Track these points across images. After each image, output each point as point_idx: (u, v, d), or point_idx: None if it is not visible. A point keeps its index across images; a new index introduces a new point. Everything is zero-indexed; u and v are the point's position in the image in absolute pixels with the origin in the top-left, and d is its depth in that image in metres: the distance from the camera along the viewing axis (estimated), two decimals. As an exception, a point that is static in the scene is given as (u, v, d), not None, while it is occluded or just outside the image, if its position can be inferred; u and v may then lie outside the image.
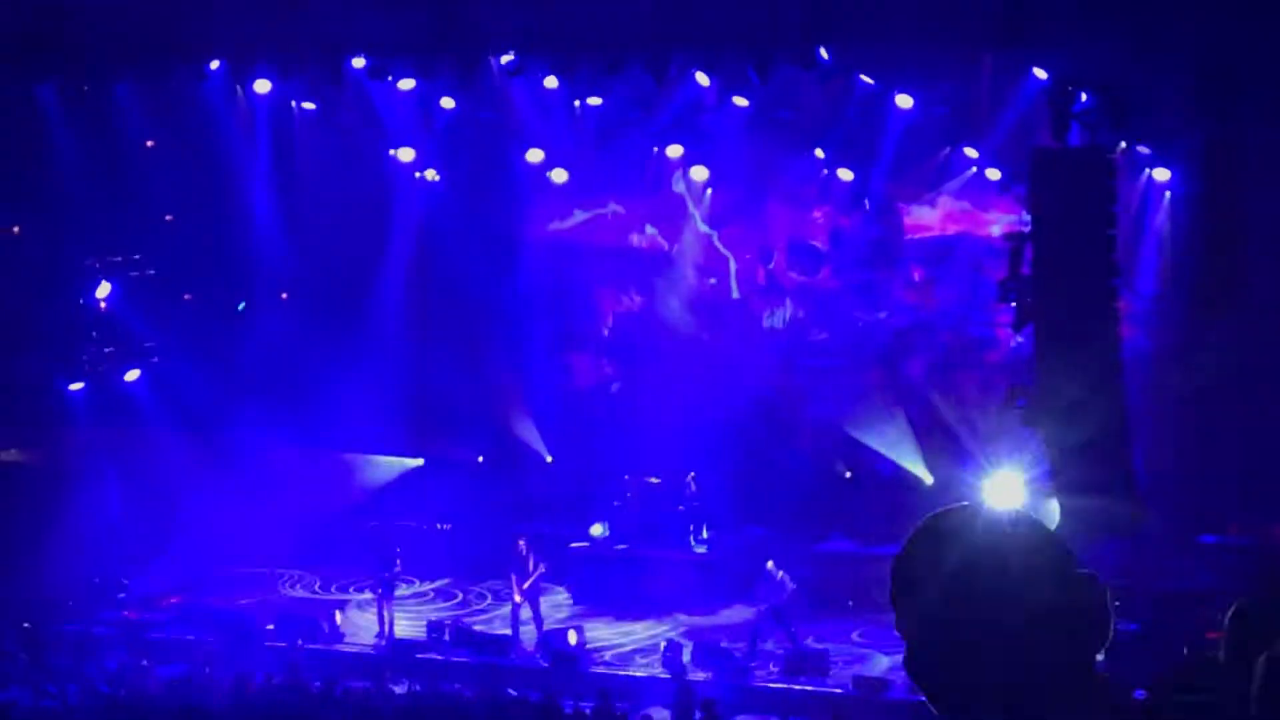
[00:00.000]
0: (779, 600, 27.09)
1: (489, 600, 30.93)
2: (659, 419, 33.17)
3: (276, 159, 31.80)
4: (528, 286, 34.35)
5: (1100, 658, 3.31)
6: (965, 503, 3.50)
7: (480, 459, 34.45)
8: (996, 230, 30.20)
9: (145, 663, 25.70)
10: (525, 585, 27.89)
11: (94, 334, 31.29)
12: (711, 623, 29.15)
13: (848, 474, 32.42)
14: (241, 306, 33.86)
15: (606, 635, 28.59)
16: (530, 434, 34.17)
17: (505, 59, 28.68)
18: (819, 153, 31.71)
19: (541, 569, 28.13)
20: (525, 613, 27.99)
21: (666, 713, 23.85)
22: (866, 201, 32.05)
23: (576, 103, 30.84)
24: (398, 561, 28.92)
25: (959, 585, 3.28)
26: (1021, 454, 29.03)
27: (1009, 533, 3.34)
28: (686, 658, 26.21)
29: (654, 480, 31.70)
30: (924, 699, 3.36)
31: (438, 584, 31.87)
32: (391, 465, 34.00)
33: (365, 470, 33.76)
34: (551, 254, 34.62)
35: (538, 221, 34.81)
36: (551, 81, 29.84)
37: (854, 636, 27.98)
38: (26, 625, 27.04)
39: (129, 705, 22.84)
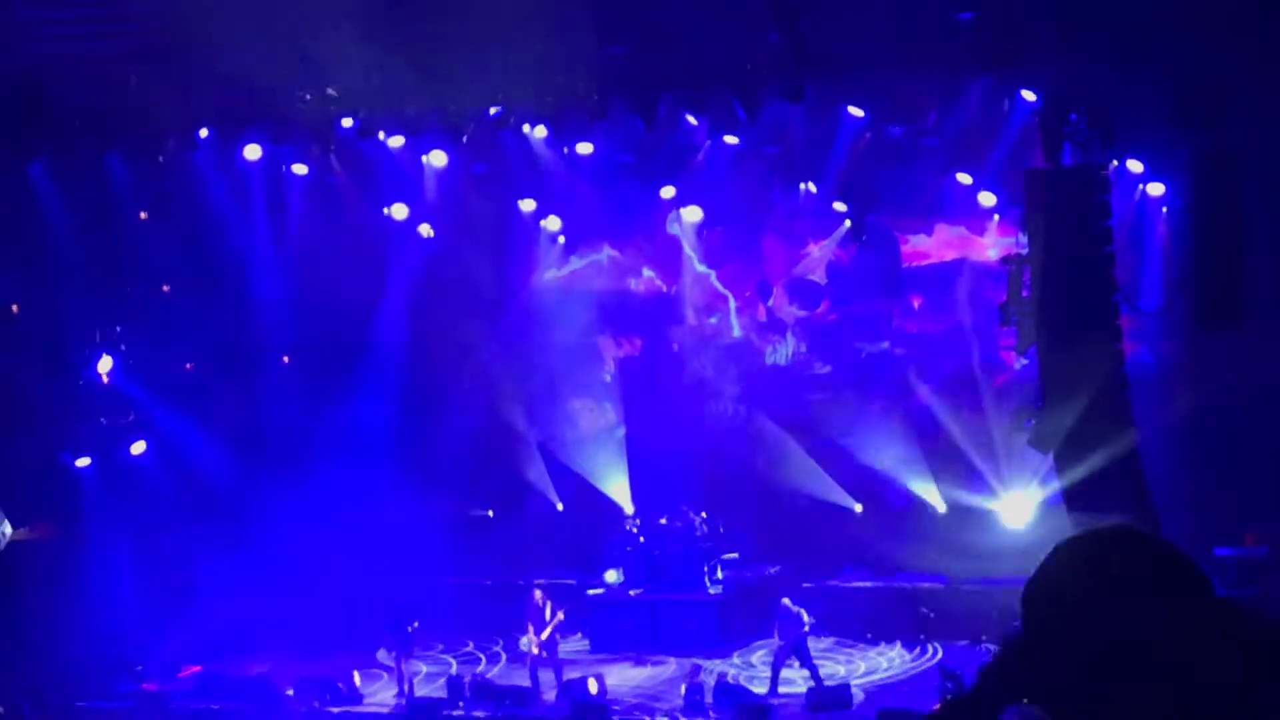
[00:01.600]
0: (797, 636, 27.01)
1: (505, 654, 30.82)
2: (665, 460, 33.13)
3: (271, 222, 31.79)
4: (527, 335, 34.33)
5: None
6: (1101, 526, 3.38)
7: (490, 513, 34.38)
8: (994, 254, 30.22)
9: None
10: (543, 635, 27.82)
11: (101, 417, 31.19)
12: (731, 662, 29.08)
13: (858, 508, 32.30)
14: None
15: (627, 680, 28.51)
16: (538, 483, 34.13)
17: (492, 110, 28.71)
18: (811, 187, 31.74)
19: (560, 617, 28.06)
20: (544, 663, 27.93)
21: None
22: (862, 233, 32.04)
23: (565, 149, 30.83)
24: (414, 622, 28.85)
25: (1103, 612, 3.17)
26: (1032, 475, 29.06)
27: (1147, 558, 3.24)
28: (708, 699, 26.12)
29: (663, 522, 31.67)
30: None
31: (459, 651, 31.78)
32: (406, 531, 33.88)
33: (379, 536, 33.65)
34: (550, 302, 34.63)
35: (534, 270, 34.84)
36: (540, 131, 29.85)
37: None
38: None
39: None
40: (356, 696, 27.94)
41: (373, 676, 29.25)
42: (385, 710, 27.64)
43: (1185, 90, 24.57)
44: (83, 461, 30.93)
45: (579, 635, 30.41)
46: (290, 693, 27.82)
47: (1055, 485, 25.10)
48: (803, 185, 31.85)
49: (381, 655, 30.09)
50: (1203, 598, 3.22)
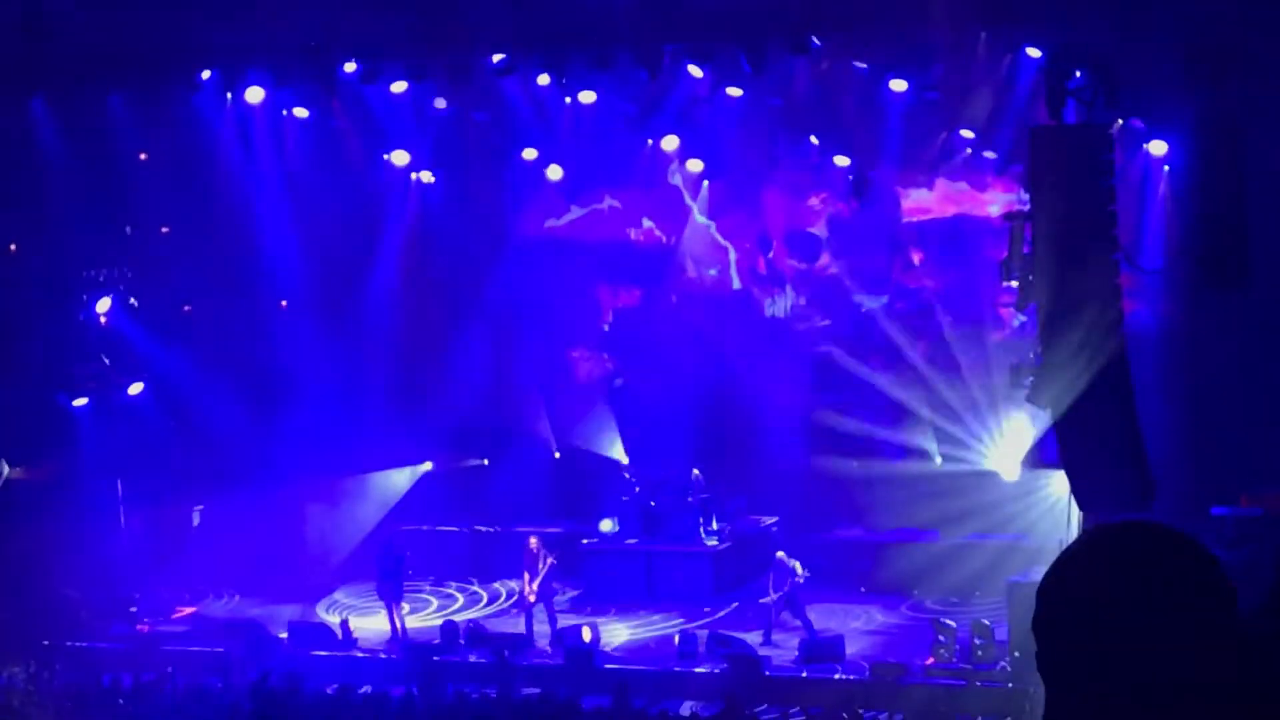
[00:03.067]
0: (791, 589, 27.07)
1: (501, 600, 30.90)
2: (663, 412, 33.14)
3: (271, 167, 31.69)
4: (526, 284, 34.29)
5: None
6: (1120, 521, 3.28)
7: (485, 461, 34.41)
8: (995, 210, 30.20)
9: (166, 672, 25.64)
10: (536, 583, 27.87)
11: (102, 355, 31.15)
12: (724, 614, 29.14)
13: (855, 464, 32.34)
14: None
15: (620, 630, 28.57)
16: (535, 432, 34.13)
17: (496, 58, 28.58)
18: (814, 140, 31.67)
19: (551, 562, 28.10)
20: (539, 611, 27.99)
21: (685, 705, 23.85)
22: (864, 187, 31.96)
23: (568, 99, 30.71)
24: (409, 568, 28.95)
25: (1117, 615, 3.09)
26: (1029, 432, 29.04)
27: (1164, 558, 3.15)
28: (702, 649, 26.20)
29: (660, 474, 31.72)
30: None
31: (449, 587, 31.85)
32: (401, 477, 33.91)
33: (374, 483, 33.68)
34: (549, 251, 34.59)
35: (534, 219, 34.80)
36: (543, 79, 29.72)
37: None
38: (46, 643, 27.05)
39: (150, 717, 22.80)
40: (350, 641, 27.99)
41: (365, 622, 29.29)
42: (381, 654, 27.71)
43: (1191, 49, 24.48)
44: (80, 401, 30.93)
45: (572, 587, 30.41)
46: (284, 636, 27.89)
47: (1051, 442, 25.08)
48: (813, 138, 31.76)
49: (375, 600, 30.09)
50: (1224, 611, 3.13)
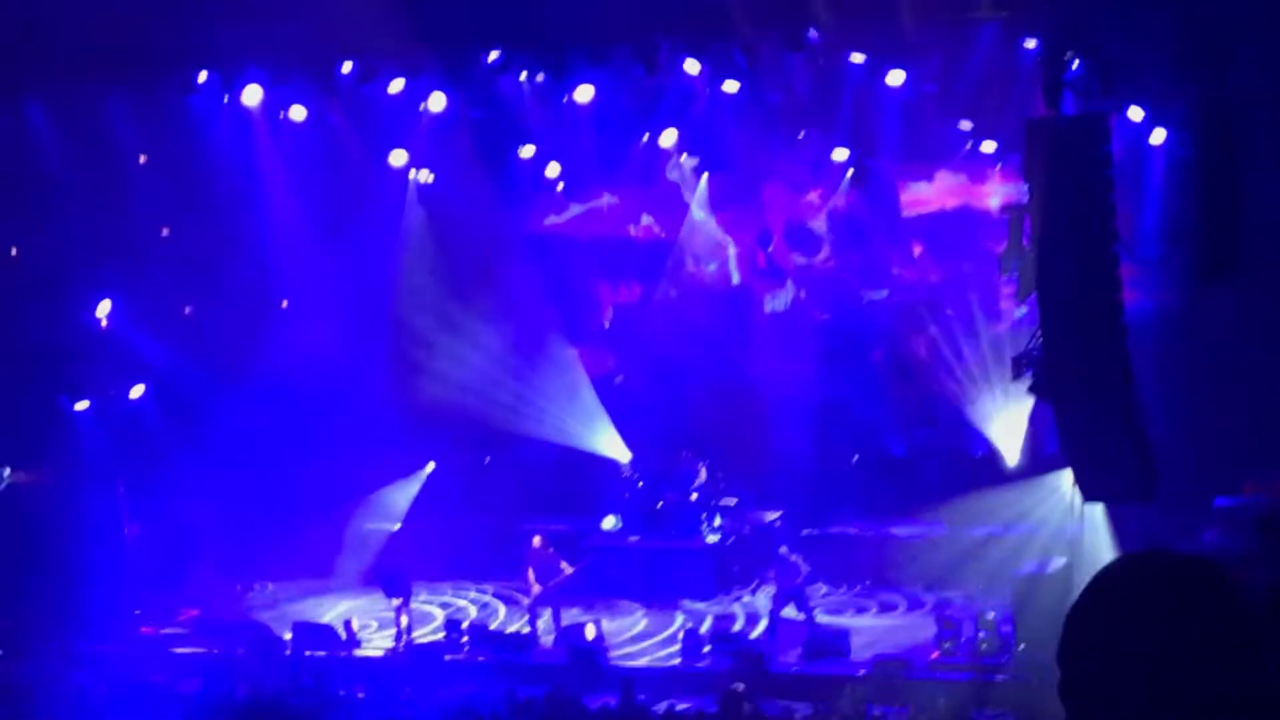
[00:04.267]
0: (794, 584, 27.05)
1: (502, 600, 30.87)
2: (664, 408, 33.12)
3: (269, 167, 31.64)
4: (526, 282, 34.24)
5: None
6: (1147, 551, 3.29)
7: (487, 459, 34.39)
8: (994, 202, 30.17)
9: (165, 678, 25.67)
10: (550, 584, 27.88)
11: (99, 360, 31.13)
12: (728, 610, 29.11)
13: (855, 457, 32.33)
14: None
15: (624, 627, 28.56)
16: (536, 429, 34.09)
17: (491, 56, 28.54)
18: (812, 134, 31.64)
19: (567, 570, 28.14)
20: (542, 609, 27.99)
21: (688, 703, 23.82)
22: (863, 180, 31.94)
23: (565, 97, 30.65)
24: (413, 568, 28.95)
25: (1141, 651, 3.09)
26: (1030, 425, 29.05)
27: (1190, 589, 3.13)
28: (705, 646, 26.18)
29: (662, 470, 31.72)
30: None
31: (451, 587, 31.84)
32: (407, 489, 33.88)
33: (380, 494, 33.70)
34: (548, 249, 34.57)
35: (533, 217, 34.78)
36: (540, 76, 29.66)
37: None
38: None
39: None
40: (354, 642, 27.98)
41: (369, 623, 29.29)
42: (383, 655, 27.71)
43: (1189, 38, 24.45)
44: (81, 405, 30.93)
45: (574, 584, 30.33)
46: (288, 637, 27.88)
47: (1053, 434, 25.06)
48: (803, 132, 31.75)
49: (379, 600, 30.07)
50: (1248, 637, 3.11)
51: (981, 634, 25.07)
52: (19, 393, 29.43)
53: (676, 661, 26.27)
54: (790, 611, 27.08)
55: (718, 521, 30.82)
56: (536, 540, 28.47)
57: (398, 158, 32.74)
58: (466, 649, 27.19)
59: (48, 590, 28.32)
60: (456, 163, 33.43)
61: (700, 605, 29.36)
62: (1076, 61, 23.48)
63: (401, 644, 27.90)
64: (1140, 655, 3.08)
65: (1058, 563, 24.81)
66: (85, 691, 24.30)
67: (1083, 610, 3.22)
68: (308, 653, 27.20)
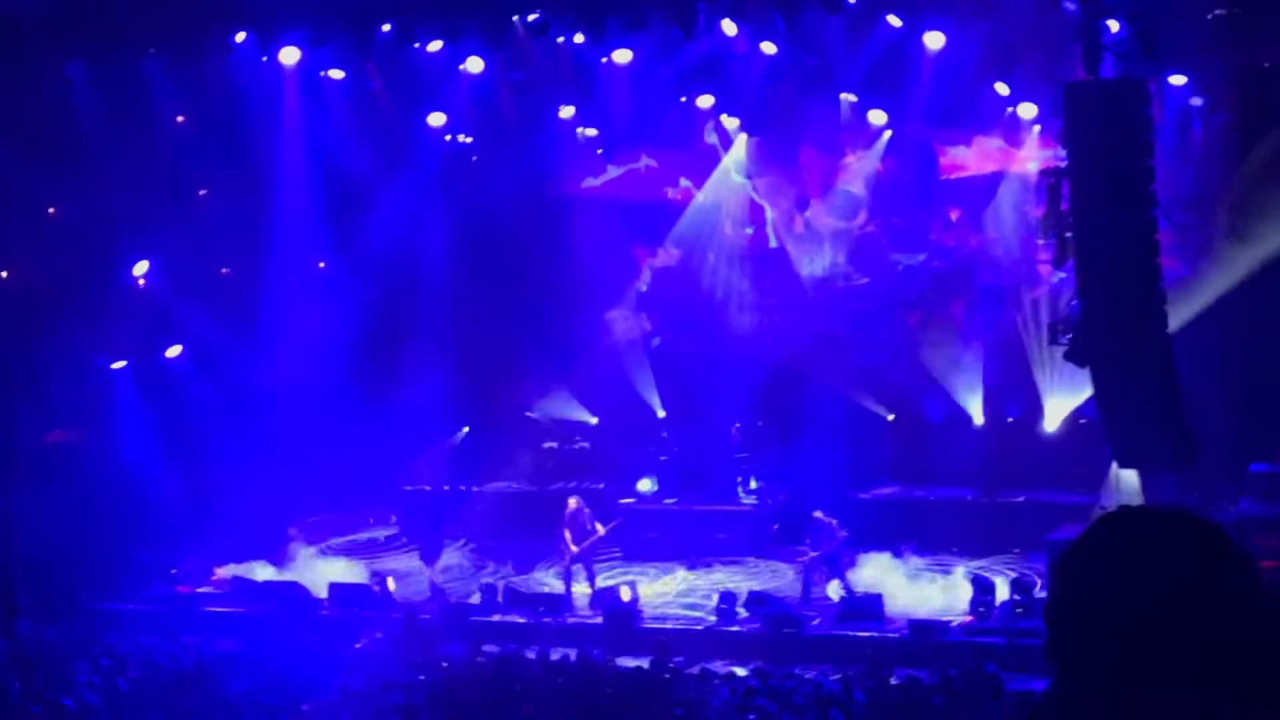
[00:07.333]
0: (829, 548, 27.05)
1: (538, 561, 30.85)
2: (701, 371, 33.14)
3: (306, 128, 31.64)
4: (563, 245, 34.22)
5: None
6: (1131, 507, 3.21)
7: (529, 414, 34.40)
8: (1033, 167, 30.01)
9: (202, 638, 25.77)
10: (584, 545, 27.91)
11: (137, 320, 31.23)
12: (763, 572, 29.14)
13: (890, 417, 32.34)
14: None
15: (659, 589, 28.59)
16: (572, 391, 34.11)
17: (531, 17, 28.48)
18: (850, 97, 31.55)
19: (601, 532, 28.20)
20: (578, 571, 28.03)
21: (721, 664, 23.86)
22: (898, 144, 31.87)
23: (604, 59, 30.58)
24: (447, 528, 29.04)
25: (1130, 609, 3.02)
26: (1068, 390, 28.98)
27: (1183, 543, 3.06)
28: (740, 609, 26.20)
29: (698, 433, 31.75)
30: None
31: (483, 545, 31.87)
32: (442, 449, 33.91)
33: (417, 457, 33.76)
34: (586, 211, 34.52)
35: (571, 179, 34.75)
36: (578, 38, 29.59)
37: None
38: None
39: (189, 680, 22.89)
40: (390, 601, 28.04)
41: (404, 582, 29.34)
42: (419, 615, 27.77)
43: (1231, 3, 24.33)
44: (118, 364, 31.03)
45: (610, 546, 30.32)
46: (324, 597, 27.96)
47: (1090, 400, 25.02)
48: (841, 96, 31.66)
49: (414, 561, 30.14)
50: (1242, 596, 3.04)
51: (1016, 598, 25.06)
52: (57, 352, 29.50)
53: (712, 620, 26.28)
54: (825, 574, 27.08)
55: (754, 484, 30.85)
56: (572, 502, 28.48)
57: (436, 119, 32.69)
58: (500, 610, 27.23)
59: (83, 550, 28.41)
60: (494, 125, 33.38)
61: (735, 568, 29.39)
62: (1117, 25, 23.32)
63: (436, 604, 27.92)
64: (1120, 611, 3.02)
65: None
66: (119, 652, 24.42)
67: (1066, 565, 3.15)
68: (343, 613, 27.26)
